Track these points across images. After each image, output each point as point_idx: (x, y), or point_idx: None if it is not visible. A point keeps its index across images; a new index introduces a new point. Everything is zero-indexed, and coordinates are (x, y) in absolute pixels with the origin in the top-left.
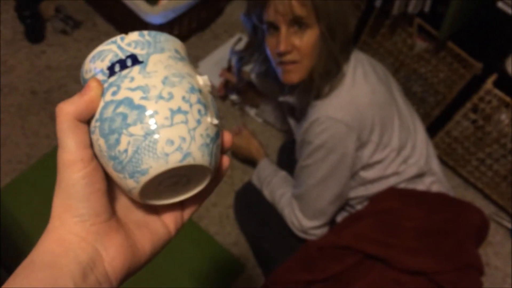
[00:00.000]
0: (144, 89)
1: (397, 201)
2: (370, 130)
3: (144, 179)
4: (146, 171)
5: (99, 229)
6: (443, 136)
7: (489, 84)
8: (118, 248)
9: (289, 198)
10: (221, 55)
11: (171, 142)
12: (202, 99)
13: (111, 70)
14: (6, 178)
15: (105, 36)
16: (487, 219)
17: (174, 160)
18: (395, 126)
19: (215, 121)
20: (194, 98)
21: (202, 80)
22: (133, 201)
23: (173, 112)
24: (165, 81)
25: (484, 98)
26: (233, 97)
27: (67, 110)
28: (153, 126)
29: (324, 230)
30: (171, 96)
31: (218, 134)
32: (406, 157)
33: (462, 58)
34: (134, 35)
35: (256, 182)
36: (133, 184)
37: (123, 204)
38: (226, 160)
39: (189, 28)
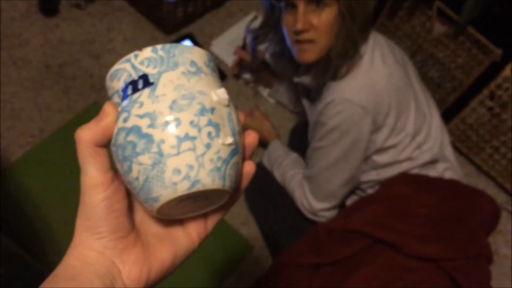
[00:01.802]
0: (151, 116)
1: (408, 187)
2: (385, 114)
3: (157, 205)
4: (157, 198)
5: (117, 244)
6: (458, 122)
7: (507, 71)
8: (135, 262)
9: (300, 180)
10: (236, 33)
11: (178, 171)
12: (213, 119)
13: (125, 93)
14: (19, 151)
15: (119, 12)
16: (499, 208)
17: (183, 189)
18: (411, 110)
19: (229, 141)
20: (203, 120)
21: (216, 96)
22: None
23: (180, 140)
24: (172, 106)
25: (502, 85)
26: (247, 76)
27: (85, 137)
28: (159, 156)
29: (334, 213)
30: (178, 123)
31: (233, 152)
32: (420, 142)
33: (482, 44)
34: (147, 52)
35: (267, 163)
36: (149, 207)
37: (143, 217)
38: (251, 166)
39: (203, 6)
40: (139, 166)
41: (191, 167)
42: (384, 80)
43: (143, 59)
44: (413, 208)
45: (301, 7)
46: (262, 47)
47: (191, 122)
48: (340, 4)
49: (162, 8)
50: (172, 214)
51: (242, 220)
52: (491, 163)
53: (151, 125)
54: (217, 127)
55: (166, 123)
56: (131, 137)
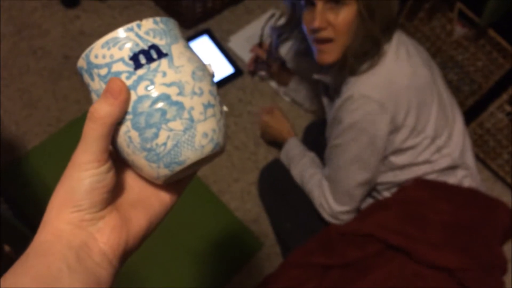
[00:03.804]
0: (178, 85)
1: (425, 192)
2: (405, 114)
3: (179, 168)
4: (183, 161)
5: (94, 216)
6: (476, 127)
7: None
8: (113, 228)
9: (319, 180)
10: (253, 30)
11: (205, 134)
12: (217, 89)
13: (137, 62)
14: (36, 139)
15: (139, 5)
16: None
17: (208, 151)
18: (432, 112)
19: (226, 108)
20: (215, 90)
21: (211, 67)
22: (128, 181)
23: (205, 107)
24: (194, 76)
25: None
26: (263, 73)
27: (104, 116)
28: (191, 122)
29: (352, 216)
30: (201, 92)
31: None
32: (440, 146)
33: (502, 47)
34: (149, 23)
35: (284, 160)
36: (166, 172)
37: (116, 188)
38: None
39: (222, 2)
40: (170, 132)
41: (214, 131)
42: (406, 78)
43: (147, 29)
44: (429, 214)
45: (319, 5)
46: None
47: (210, 92)
48: (359, 3)
49: (181, 3)
50: (175, 178)
51: (253, 217)
52: (507, 169)
53: (180, 94)
54: (219, 96)
55: (193, 92)
56: (159, 105)
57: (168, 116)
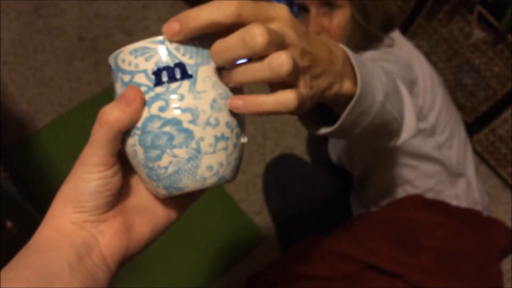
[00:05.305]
0: (193, 112)
1: (420, 213)
2: (413, 84)
3: (177, 193)
4: (182, 188)
5: (97, 218)
6: (488, 133)
7: None
8: (115, 232)
9: None
10: None
11: (210, 168)
12: (240, 120)
13: (158, 78)
14: (46, 118)
15: None
16: None
17: (210, 183)
18: (437, 100)
19: (245, 140)
20: (234, 122)
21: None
22: (138, 185)
23: (217, 139)
24: (213, 105)
25: None
26: None
27: (112, 122)
28: (197, 152)
29: None
30: (217, 123)
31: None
32: (441, 144)
33: None
34: None
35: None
36: (165, 192)
37: (125, 190)
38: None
39: None
40: (173, 158)
41: (221, 165)
42: (415, 53)
43: (178, 45)
44: (422, 240)
45: (312, 10)
46: None
47: (227, 123)
48: (352, 6)
49: None
50: (176, 196)
51: (257, 209)
52: None
53: (192, 122)
54: (242, 128)
55: (208, 122)
56: (168, 128)
57: (175, 142)
